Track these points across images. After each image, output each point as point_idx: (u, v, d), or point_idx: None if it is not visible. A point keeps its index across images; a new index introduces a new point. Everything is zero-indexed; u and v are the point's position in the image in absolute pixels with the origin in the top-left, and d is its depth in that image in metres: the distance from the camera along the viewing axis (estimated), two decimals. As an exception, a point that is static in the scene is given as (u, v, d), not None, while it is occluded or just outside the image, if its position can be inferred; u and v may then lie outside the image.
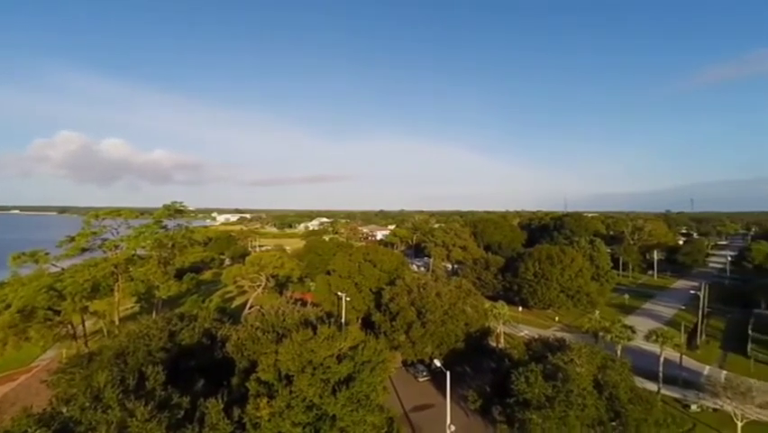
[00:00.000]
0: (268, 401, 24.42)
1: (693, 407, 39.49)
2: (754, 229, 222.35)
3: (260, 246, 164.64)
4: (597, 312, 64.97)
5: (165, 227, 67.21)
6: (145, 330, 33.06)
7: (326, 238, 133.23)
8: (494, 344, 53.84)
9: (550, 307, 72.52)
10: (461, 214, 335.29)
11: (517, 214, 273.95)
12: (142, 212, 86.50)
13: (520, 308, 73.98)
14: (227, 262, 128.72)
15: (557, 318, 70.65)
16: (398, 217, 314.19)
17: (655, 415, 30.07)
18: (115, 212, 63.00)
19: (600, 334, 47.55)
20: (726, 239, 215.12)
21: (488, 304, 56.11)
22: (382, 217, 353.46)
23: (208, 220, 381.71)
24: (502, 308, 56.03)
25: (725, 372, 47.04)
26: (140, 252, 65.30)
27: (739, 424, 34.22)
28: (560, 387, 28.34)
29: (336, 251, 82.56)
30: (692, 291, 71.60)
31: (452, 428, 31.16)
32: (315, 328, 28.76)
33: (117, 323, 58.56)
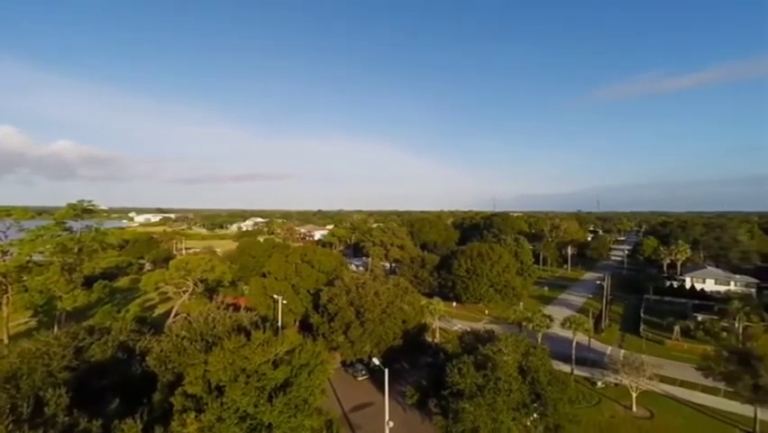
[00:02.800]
0: (195, 416, 22.76)
1: (599, 384, 44.82)
2: (644, 227, 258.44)
3: (186, 249, 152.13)
4: (521, 304, 70.77)
5: (69, 229, 59.06)
6: (44, 348, 28.78)
7: (261, 239, 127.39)
8: (430, 339, 55.92)
9: (480, 301, 77.24)
10: (398, 214, 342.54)
11: (451, 213, 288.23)
12: (40, 212, 75.45)
13: (454, 304, 77.83)
14: (148, 266, 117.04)
15: (487, 312, 75.49)
16: (337, 217, 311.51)
17: (569, 394, 33.68)
18: (3, 211, 53.92)
19: (524, 323, 51.90)
20: (623, 235, 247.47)
21: (424, 301, 58.15)
22: (320, 217, 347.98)
23: (125, 221, 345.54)
24: (437, 304, 58.47)
25: (623, 351, 54.11)
26: (37, 258, 56.62)
27: (634, 395, 39.65)
28: (489, 375, 30.35)
29: (272, 252, 79.50)
30: (598, 282, 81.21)
31: (391, 424, 31.75)
32: (248, 334, 27.43)
33: (7, 342, 50.05)
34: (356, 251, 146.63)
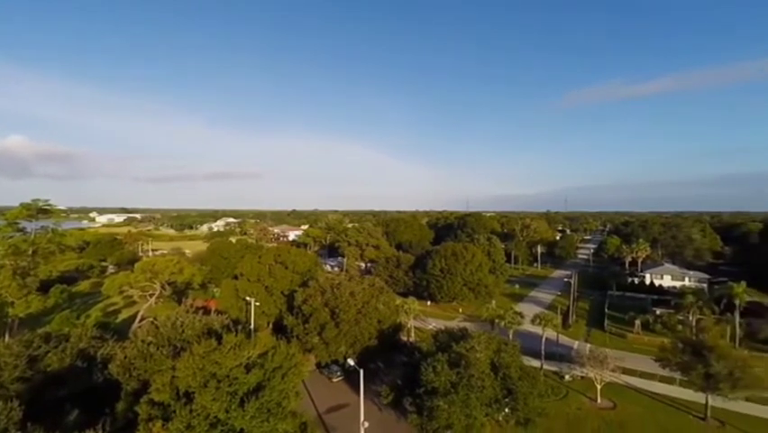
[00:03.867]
0: (163, 424, 21.92)
1: (567, 377, 46.60)
2: (608, 226, 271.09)
3: (153, 250, 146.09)
4: (493, 302, 72.48)
5: (23, 230, 55.41)
6: (-7, 358, 26.87)
7: (233, 240, 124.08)
8: (405, 338, 56.29)
9: (454, 299, 78.50)
10: (373, 214, 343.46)
11: (426, 214, 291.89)
12: (-11, 212, 70.24)
13: (429, 303, 78.68)
14: (111, 269, 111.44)
15: (461, 310, 76.84)
16: (312, 217, 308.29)
17: (539, 388, 34.81)
18: (-53, 212, 49.81)
19: (496, 321, 53.20)
20: (590, 234, 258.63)
21: (399, 300, 58.42)
22: (295, 217, 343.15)
23: (85, 221, 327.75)
24: (412, 303, 59.01)
25: (589, 345, 56.42)
26: (-15, 261, 52.77)
27: (598, 387, 41.50)
28: (463, 373, 30.93)
29: (244, 253, 77.60)
30: (566, 279, 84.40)
31: (366, 424, 31.70)
32: (219, 338, 26.69)
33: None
34: (331, 251, 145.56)
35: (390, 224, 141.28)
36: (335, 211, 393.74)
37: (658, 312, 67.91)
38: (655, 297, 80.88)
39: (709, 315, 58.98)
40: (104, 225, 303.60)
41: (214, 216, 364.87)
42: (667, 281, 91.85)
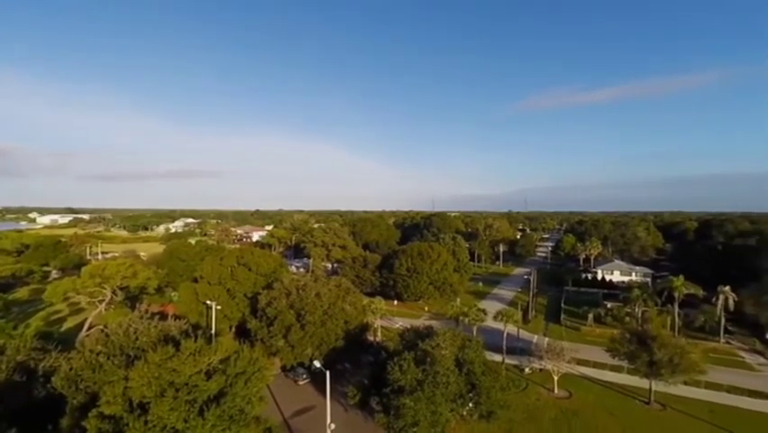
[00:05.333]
0: (114, 438, 20.59)
1: (526, 370, 48.71)
2: (564, 225, 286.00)
3: (103, 253, 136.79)
4: (458, 300, 74.28)
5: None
6: None
7: (192, 241, 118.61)
8: (372, 338, 56.41)
9: (421, 298, 79.66)
10: (340, 214, 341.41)
11: (393, 213, 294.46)
12: None
13: (395, 302, 79.29)
14: (54, 274, 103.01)
15: (427, 308, 78.09)
16: (276, 217, 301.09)
17: (501, 381, 36.12)
18: None
19: (460, 318, 54.57)
20: (548, 233, 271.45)
21: (366, 300, 58.46)
22: (258, 217, 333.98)
23: (24, 222, 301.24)
24: (379, 303, 59.29)
25: (547, 338, 59.36)
26: None
27: (555, 378, 43.73)
28: (428, 370, 31.47)
29: (204, 255, 74.54)
30: (526, 277, 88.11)
31: (333, 426, 31.51)
32: (177, 344, 25.48)
33: None
34: (297, 252, 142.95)
35: (357, 224, 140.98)
36: (301, 211, 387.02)
37: (609, 306, 72.54)
38: (606, 291, 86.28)
39: (653, 307, 63.80)
40: (46, 227, 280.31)
41: (172, 216, 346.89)
42: (616, 277, 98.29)
